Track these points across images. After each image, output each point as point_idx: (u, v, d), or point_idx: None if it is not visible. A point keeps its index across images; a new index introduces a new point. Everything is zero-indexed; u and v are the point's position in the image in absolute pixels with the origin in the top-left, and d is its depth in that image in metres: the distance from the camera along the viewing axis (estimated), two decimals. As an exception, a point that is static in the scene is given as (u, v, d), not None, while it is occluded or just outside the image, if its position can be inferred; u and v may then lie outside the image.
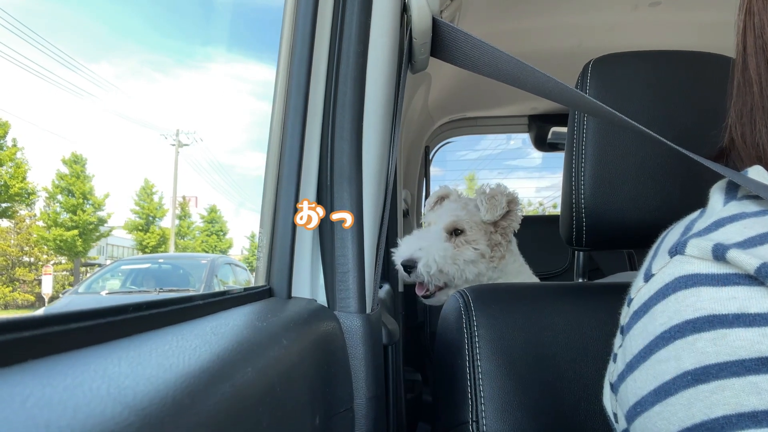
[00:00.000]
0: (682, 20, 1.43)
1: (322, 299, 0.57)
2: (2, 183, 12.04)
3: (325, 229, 0.58)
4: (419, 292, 1.26)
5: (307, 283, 0.57)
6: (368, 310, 0.57)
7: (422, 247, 1.22)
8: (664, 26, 1.45)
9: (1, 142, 12.16)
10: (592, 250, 0.78)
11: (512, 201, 1.25)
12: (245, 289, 0.49)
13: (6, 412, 0.15)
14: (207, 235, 21.37)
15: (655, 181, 0.70)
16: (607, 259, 1.79)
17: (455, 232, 1.25)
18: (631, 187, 0.70)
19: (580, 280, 0.86)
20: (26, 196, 12.94)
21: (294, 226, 0.55)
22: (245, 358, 0.28)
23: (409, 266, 1.21)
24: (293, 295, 0.56)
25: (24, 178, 12.61)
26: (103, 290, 6.33)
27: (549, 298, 0.74)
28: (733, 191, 0.41)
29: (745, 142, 0.45)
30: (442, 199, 1.37)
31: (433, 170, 2.34)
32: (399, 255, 1.24)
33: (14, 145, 12.45)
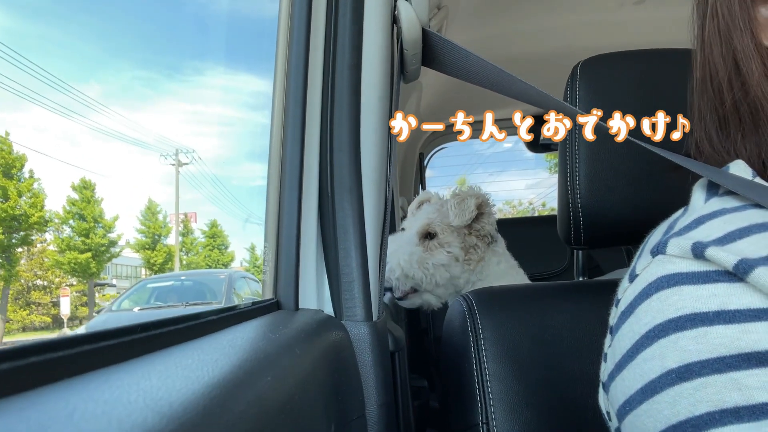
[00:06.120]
0: (667, 17, 1.45)
1: (328, 309, 0.58)
2: (23, 212, 12.67)
3: (329, 240, 0.59)
4: (395, 295, 1.27)
5: (314, 294, 0.58)
6: (374, 318, 0.58)
7: (390, 252, 1.21)
8: (650, 24, 1.47)
9: (19, 174, 12.85)
10: (591, 248, 0.79)
11: (483, 204, 1.24)
12: (254, 303, 0.50)
13: (58, 426, 0.16)
14: (209, 249, 21.87)
15: (651, 177, 0.71)
16: (606, 256, 1.80)
17: (428, 235, 1.24)
18: (626, 184, 0.72)
19: (581, 279, 0.88)
20: (44, 224, 13.62)
21: (298, 238, 0.56)
22: (263, 367, 0.29)
23: None
24: (300, 306, 0.57)
25: (42, 207, 13.31)
26: (135, 307, 6.66)
27: (551, 297, 0.75)
28: (714, 188, 0.41)
29: (713, 147, 0.45)
30: (422, 203, 1.37)
31: (427, 173, 2.35)
32: None
33: (31, 177, 13.15)
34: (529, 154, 2.23)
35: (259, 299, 0.54)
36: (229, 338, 0.33)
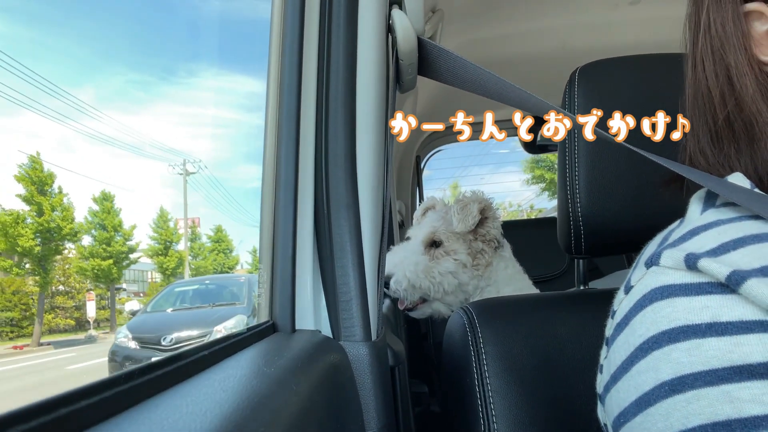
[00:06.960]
0: (662, 16, 1.44)
1: (326, 330, 0.57)
2: (56, 225, 13.82)
3: (325, 258, 0.58)
4: (400, 307, 1.25)
5: (311, 314, 0.57)
6: (374, 337, 0.57)
7: (396, 263, 1.20)
8: (646, 23, 1.46)
9: (50, 190, 13.94)
10: (592, 257, 0.78)
11: (486, 208, 1.22)
12: (248, 329, 0.48)
13: None
14: (216, 254, 23.06)
15: (651, 184, 0.70)
16: (605, 258, 1.79)
17: (434, 243, 1.23)
18: (627, 192, 0.70)
19: (582, 287, 0.86)
20: (74, 235, 14.83)
21: (294, 257, 0.55)
22: (256, 414, 0.27)
23: (385, 282, 1.19)
24: (297, 327, 0.55)
25: (72, 220, 14.54)
26: (168, 308, 7.31)
27: (552, 308, 0.73)
28: (711, 199, 0.41)
29: (708, 162, 0.45)
30: (428, 210, 1.35)
31: (424, 174, 2.34)
32: None
33: (60, 192, 14.27)
34: (524, 154, 2.22)
35: (255, 324, 0.52)
36: (221, 378, 0.32)
